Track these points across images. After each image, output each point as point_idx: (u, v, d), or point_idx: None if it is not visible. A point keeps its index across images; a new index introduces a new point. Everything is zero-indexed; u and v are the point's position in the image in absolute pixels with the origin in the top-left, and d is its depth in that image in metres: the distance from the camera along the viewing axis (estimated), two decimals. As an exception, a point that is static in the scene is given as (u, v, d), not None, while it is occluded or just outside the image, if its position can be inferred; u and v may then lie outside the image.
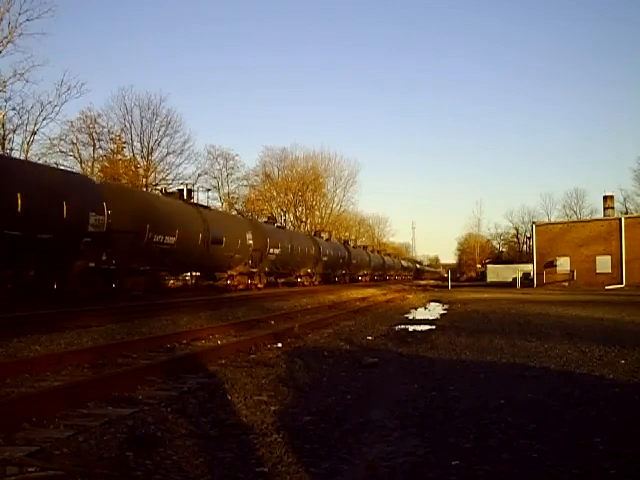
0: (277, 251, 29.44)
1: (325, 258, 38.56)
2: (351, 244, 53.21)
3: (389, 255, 77.27)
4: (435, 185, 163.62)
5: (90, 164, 38.62)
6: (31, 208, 13.03)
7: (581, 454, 3.24)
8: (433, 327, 11.00)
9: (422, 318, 13.73)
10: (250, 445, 3.51)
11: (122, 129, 41.75)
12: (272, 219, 36.56)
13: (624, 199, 64.18)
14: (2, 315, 10.70)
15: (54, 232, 13.83)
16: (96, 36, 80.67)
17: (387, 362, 6.63)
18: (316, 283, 37.01)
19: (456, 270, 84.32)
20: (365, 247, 61.18)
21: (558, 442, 3.48)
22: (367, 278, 54.98)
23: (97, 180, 21.44)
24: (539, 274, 40.17)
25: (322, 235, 44.36)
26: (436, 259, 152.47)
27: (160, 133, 43.38)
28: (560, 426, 3.84)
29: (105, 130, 39.63)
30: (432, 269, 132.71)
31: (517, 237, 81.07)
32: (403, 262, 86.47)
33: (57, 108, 33.51)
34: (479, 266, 77.22)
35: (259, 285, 27.83)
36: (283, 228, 36.11)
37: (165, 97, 57.27)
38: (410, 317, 14.19)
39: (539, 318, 12.51)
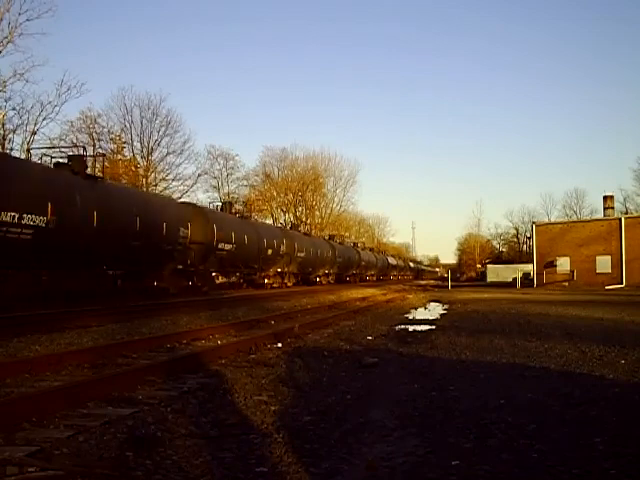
0: (302, 254, 34.66)
1: (340, 259, 43.52)
2: (360, 246, 56.89)
3: (391, 255, 77.53)
4: (435, 185, 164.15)
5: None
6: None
7: (581, 454, 3.24)
8: (433, 327, 11.00)
9: (422, 318, 13.74)
10: (250, 445, 3.50)
11: (122, 129, 41.76)
12: (295, 226, 43.15)
13: (624, 199, 64.20)
14: (2, 315, 10.70)
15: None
16: (96, 36, 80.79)
17: (387, 362, 6.63)
18: (332, 282, 42.70)
19: (456, 270, 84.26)
20: (372, 249, 64.01)
21: (558, 442, 3.48)
22: (374, 278, 59.05)
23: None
24: (539, 274, 40.16)
25: (336, 239, 48.73)
26: (436, 259, 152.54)
27: (160, 133, 43.41)
28: (560, 426, 3.84)
29: (105, 130, 39.64)
30: (432, 269, 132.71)
31: (517, 237, 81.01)
32: (403, 262, 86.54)
33: (57, 108, 33.47)
34: (479, 266, 77.17)
35: (288, 284, 33.03)
36: (308, 235, 42.60)
37: (165, 97, 57.12)
38: (410, 317, 14.19)
39: (539, 318, 12.51)
